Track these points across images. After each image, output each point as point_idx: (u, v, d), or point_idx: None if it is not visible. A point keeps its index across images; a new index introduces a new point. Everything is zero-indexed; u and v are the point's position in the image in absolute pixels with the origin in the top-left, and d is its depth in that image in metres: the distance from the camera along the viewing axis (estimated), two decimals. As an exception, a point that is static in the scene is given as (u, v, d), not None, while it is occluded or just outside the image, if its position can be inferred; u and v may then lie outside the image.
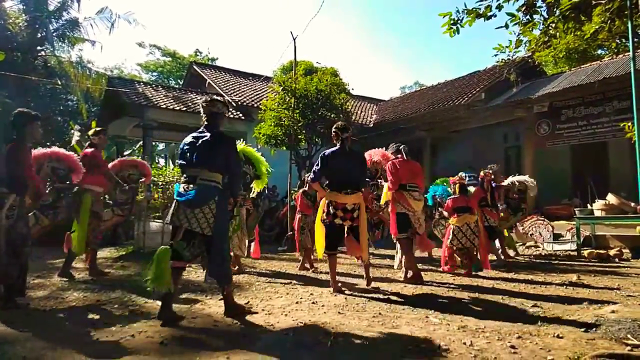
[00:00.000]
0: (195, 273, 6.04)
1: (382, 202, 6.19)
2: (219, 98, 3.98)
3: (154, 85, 16.43)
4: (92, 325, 3.30)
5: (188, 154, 3.56)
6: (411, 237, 5.53)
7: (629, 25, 3.52)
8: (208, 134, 3.59)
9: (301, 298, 4.36)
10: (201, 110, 3.78)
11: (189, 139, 3.64)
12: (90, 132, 5.98)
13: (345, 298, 4.31)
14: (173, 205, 3.54)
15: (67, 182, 5.78)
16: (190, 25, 60.94)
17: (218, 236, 3.49)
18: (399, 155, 5.69)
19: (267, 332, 3.13)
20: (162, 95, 14.44)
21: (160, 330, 3.14)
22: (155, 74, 32.87)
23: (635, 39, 8.76)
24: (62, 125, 16.60)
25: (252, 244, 6.67)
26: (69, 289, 4.75)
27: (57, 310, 3.84)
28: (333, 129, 4.94)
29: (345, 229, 4.82)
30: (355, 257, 5.31)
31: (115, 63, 37.47)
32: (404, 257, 5.64)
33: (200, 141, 3.55)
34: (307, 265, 6.72)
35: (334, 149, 4.89)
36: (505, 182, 8.19)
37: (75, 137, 9.32)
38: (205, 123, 3.72)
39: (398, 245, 5.83)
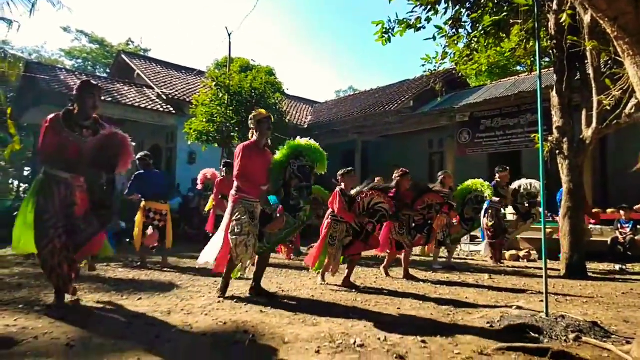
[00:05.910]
0: (113, 272, 5.76)
1: (208, 208, 7.66)
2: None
3: (77, 73, 15.39)
4: (-11, 328, 3.03)
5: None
6: None
7: (537, 45, 3.83)
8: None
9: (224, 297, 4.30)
10: None
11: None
12: None
13: (270, 298, 4.31)
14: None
15: None
16: (123, 14, 57.99)
17: None
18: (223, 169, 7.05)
19: (183, 333, 3.04)
20: (85, 84, 13.55)
21: (67, 331, 2.96)
22: (80, 61, 30.82)
23: (547, 59, 9.53)
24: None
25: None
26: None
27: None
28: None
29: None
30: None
31: (35, 46, 34.55)
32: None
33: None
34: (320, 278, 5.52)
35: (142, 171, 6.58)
36: (513, 186, 7.64)
37: None
38: None
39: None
